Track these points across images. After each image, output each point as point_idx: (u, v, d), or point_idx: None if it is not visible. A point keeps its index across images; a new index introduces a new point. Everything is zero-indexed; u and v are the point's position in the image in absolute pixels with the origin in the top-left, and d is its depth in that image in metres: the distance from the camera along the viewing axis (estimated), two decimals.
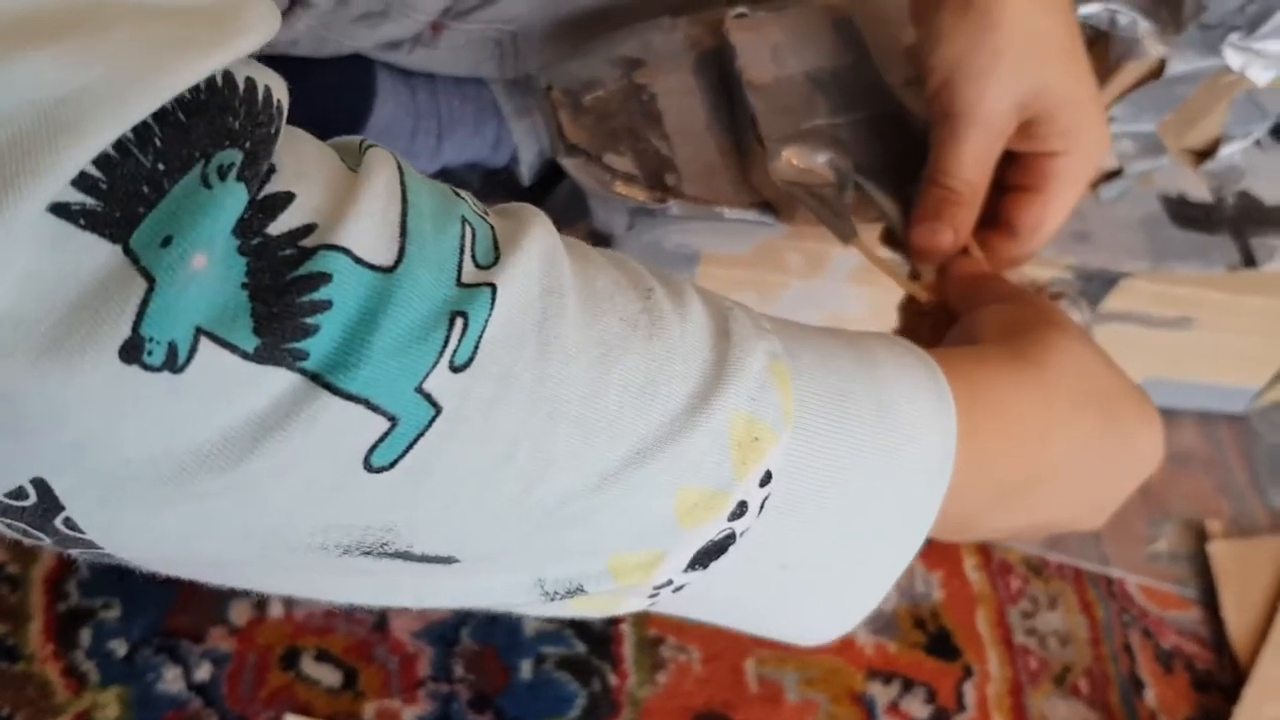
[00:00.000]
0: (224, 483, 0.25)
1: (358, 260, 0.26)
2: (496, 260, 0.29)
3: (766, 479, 0.33)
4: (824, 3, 0.69)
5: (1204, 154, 0.72)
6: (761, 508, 0.33)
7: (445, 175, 0.85)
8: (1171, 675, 0.74)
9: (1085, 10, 0.64)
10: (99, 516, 0.26)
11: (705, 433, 0.31)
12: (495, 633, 0.63)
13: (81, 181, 0.22)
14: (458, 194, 0.30)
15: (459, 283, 0.27)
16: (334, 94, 0.70)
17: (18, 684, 0.57)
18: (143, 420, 0.24)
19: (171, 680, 0.59)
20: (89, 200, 0.22)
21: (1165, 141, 0.70)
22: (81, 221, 0.22)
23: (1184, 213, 0.70)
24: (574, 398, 0.29)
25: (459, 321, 0.27)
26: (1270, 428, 0.90)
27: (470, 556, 0.30)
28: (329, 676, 0.60)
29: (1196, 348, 0.81)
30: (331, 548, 0.28)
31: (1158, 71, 0.64)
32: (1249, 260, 0.70)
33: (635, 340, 0.31)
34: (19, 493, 0.25)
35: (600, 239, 0.72)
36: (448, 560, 0.30)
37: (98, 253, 0.23)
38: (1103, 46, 0.65)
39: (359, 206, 0.26)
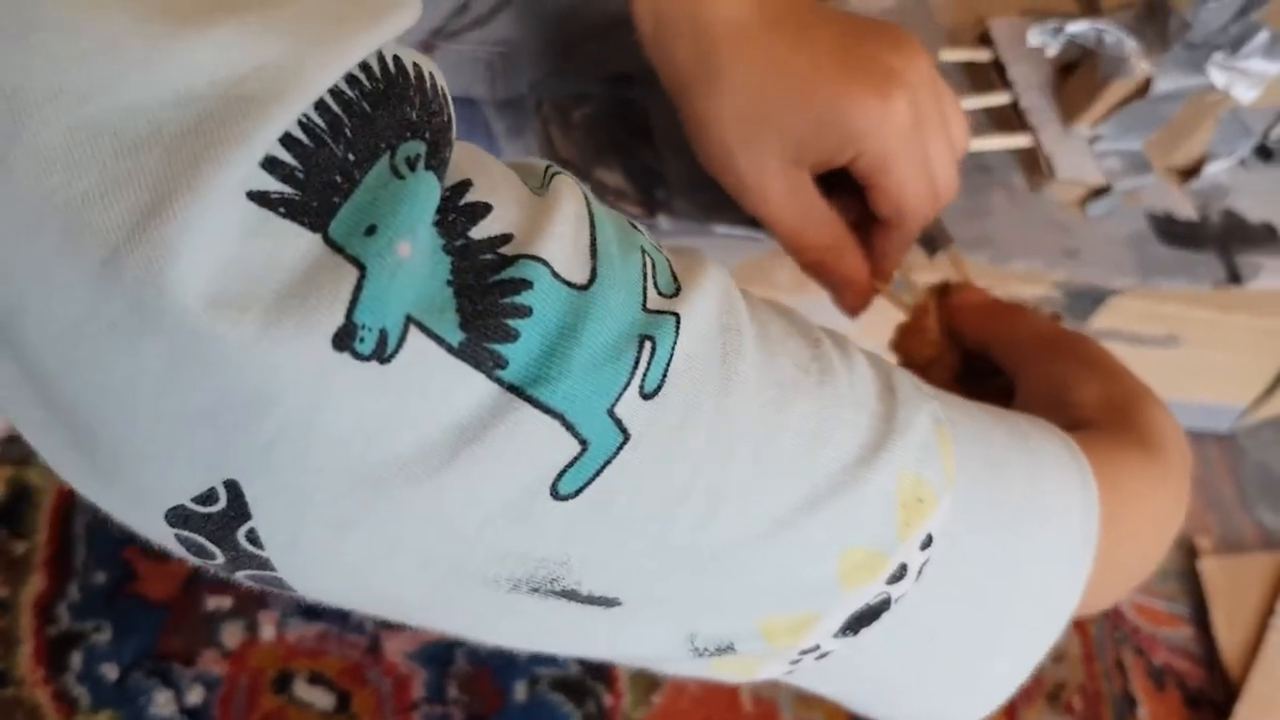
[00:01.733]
0: (417, 496, 0.25)
1: (555, 274, 0.26)
2: (678, 291, 0.29)
3: (927, 543, 0.32)
4: None
5: (1189, 172, 0.72)
6: (920, 572, 0.32)
7: None
8: (1163, 692, 0.74)
9: (1073, 29, 0.64)
10: (283, 531, 0.25)
11: (875, 487, 0.31)
12: (489, 654, 0.62)
13: (279, 170, 0.22)
14: (635, 226, 0.31)
15: (645, 308, 0.27)
16: None
17: (8, 709, 0.56)
18: (345, 415, 0.23)
19: (163, 704, 0.58)
20: (287, 189, 0.22)
21: (1152, 160, 0.71)
22: (281, 210, 0.22)
23: (1170, 230, 0.70)
24: (751, 437, 0.29)
25: (648, 345, 0.27)
26: (1257, 446, 0.90)
27: (633, 600, 0.29)
28: (322, 699, 0.60)
29: (1184, 366, 0.82)
30: (503, 581, 0.28)
31: (1144, 89, 0.64)
32: (1234, 277, 0.70)
33: (808, 385, 0.30)
34: (209, 496, 0.24)
35: None
36: (610, 603, 0.29)
37: (299, 242, 0.22)
38: (1090, 64, 0.66)
39: (553, 227, 0.26)
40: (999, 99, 0.68)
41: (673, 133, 0.64)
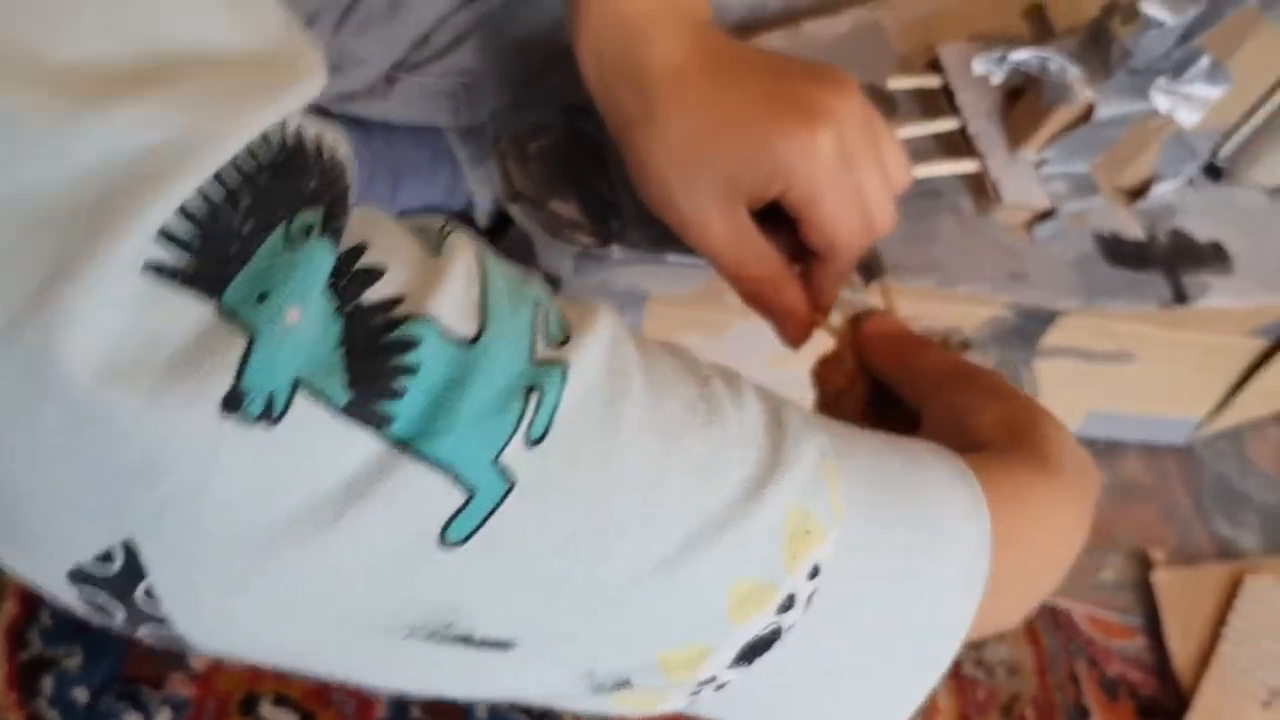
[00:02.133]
0: (305, 553, 0.26)
1: (443, 332, 0.27)
2: (566, 341, 0.30)
3: (815, 573, 0.33)
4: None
5: (1137, 193, 0.74)
6: (809, 601, 0.33)
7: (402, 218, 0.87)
8: (1116, 703, 0.76)
9: (1016, 57, 0.66)
10: (179, 592, 0.26)
11: (761, 521, 0.31)
12: None
13: (176, 241, 0.23)
14: (529, 278, 0.31)
15: (533, 359, 0.28)
16: None
17: None
18: (235, 480, 0.24)
19: None
20: (183, 259, 0.23)
21: (1099, 182, 0.72)
22: (176, 280, 0.23)
23: (1117, 251, 0.72)
24: (638, 477, 0.30)
25: (534, 396, 0.28)
26: (1214, 456, 0.92)
27: (528, 641, 0.30)
28: None
29: (1138, 380, 0.83)
30: (397, 629, 0.28)
31: (1087, 115, 0.66)
32: (1181, 297, 0.72)
33: (695, 424, 0.31)
34: (107, 556, 0.25)
35: (550, 280, 0.74)
36: (506, 645, 0.30)
37: (193, 310, 0.23)
38: (1036, 91, 0.67)
39: (443, 285, 0.27)
40: (947, 125, 0.70)
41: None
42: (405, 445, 0.26)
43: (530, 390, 0.28)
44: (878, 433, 0.39)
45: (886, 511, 0.35)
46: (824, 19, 0.75)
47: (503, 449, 0.27)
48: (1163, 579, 0.84)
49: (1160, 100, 0.66)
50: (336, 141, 0.28)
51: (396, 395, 0.26)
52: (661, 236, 0.64)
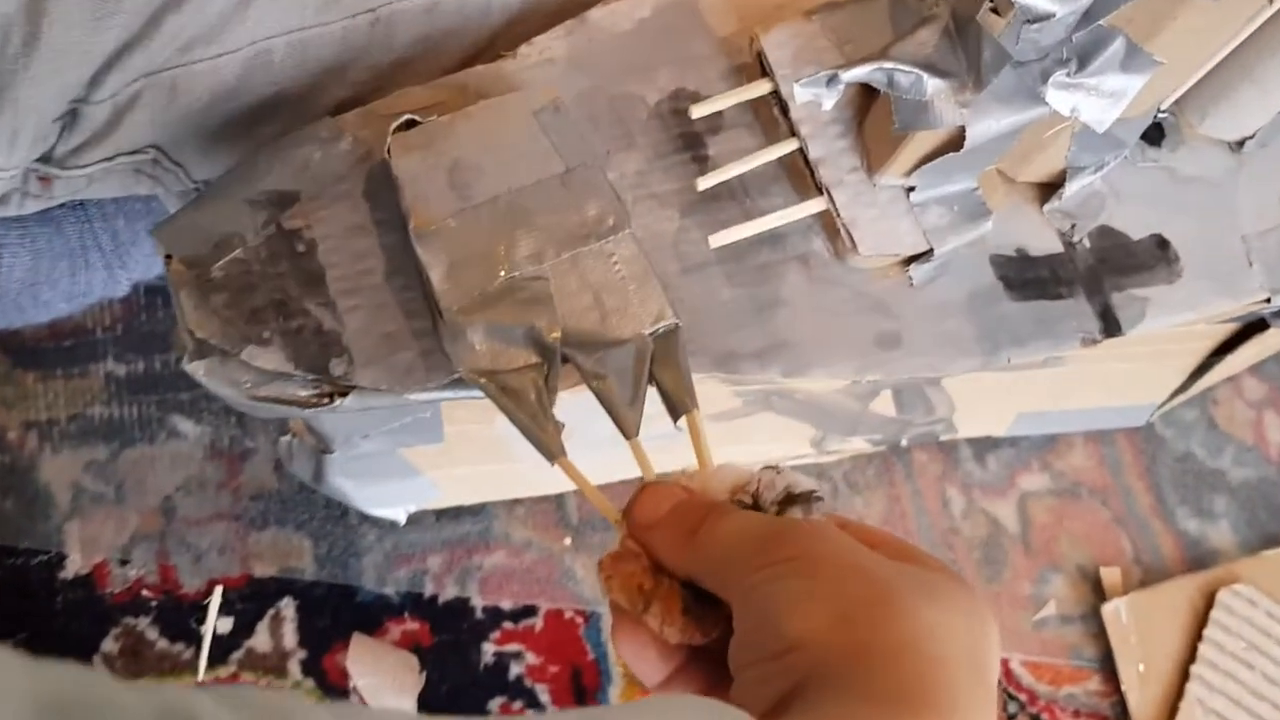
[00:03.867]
0: None
1: None
2: None
3: None
4: (528, 86, 0.53)
5: (1047, 188, 0.57)
6: None
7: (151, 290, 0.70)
8: None
9: (852, 75, 0.48)
10: None
11: None
12: None
13: None
14: None
15: None
16: None
17: None
18: None
19: None
20: None
21: (992, 182, 0.55)
22: None
23: (1023, 276, 0.55)
24: None
25: None
26: (1179, 433, 0.77)
27: None
28: None
29: (1074, 379, 0.68)
30: None
31: (959, 138, 0.49)
32: (1110, 325, 0.56)
33: None
34: None
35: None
36: None
37: None
38: (888, 104, 0.49)
39: None
40: (785, 148, 0.53)
41: (354, 268, 0.50)
42: None
43: None
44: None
45: None
46: (617, 1, 0.56)
47: None
48: (1114, 613, 0.71)
49: (1059, 98, 0.49)
50: None
51: None
52: (407, 369, 0.49)
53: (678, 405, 0.45)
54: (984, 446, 0.75)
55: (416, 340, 0.49)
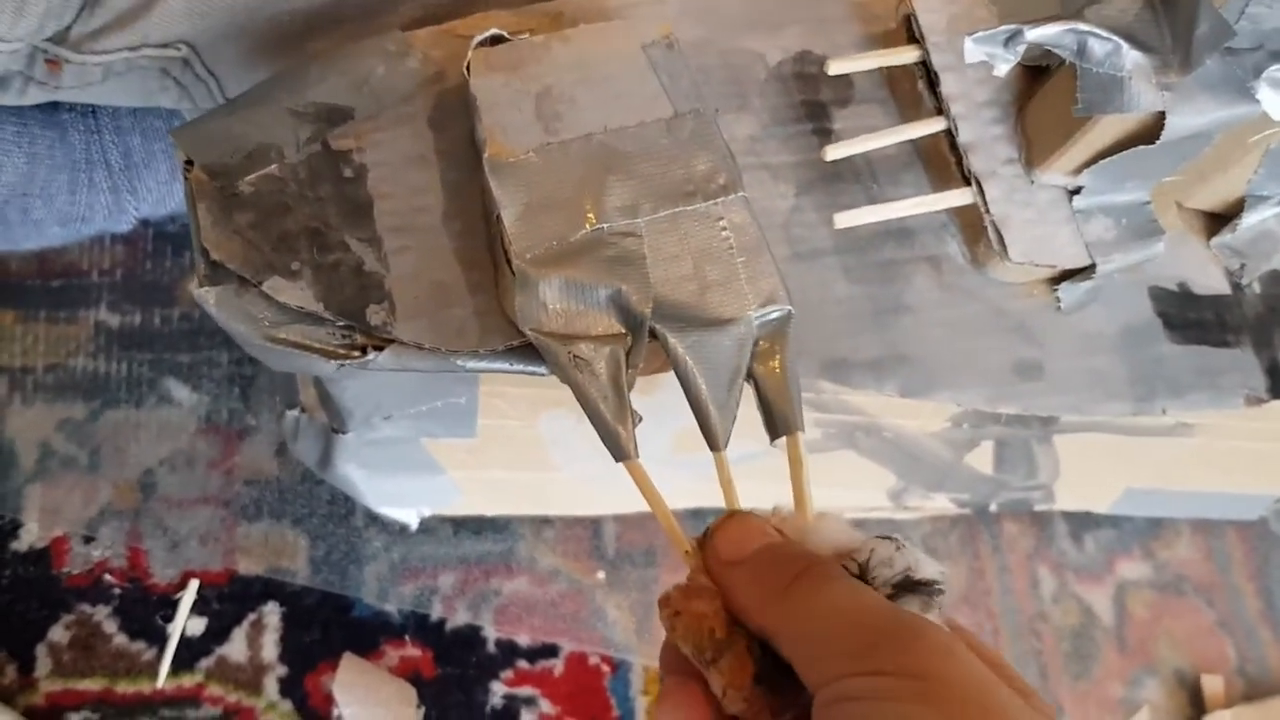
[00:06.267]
0: None
1: None
2: None
3: None
4: (636, 18, 0.45)
5: (1218, 219, 0.49)
6: None
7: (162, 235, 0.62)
8: None
9: (1037, 35, 0.40)
10: None
11: None
12: None
13: None
14: None
15: None
16: None
17: None
18: None
19: None
20: None
21: (1162, 201, 0.47)
22: None
23: (1185, 316, 0.47)
24: None
25: None
26: None
27: None
28: None
29: (1198, 457, 0.59)
30: None
31: (1153, 129, 0.40)
32: (1278, 384, 0.47)
33: None
34: None
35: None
36: None
37: None
38: (1067, 83, 0.41)
39: None
40: (927, 128, 0.44)
41: (408, 204, 0.41)
42: None
43: None
44: None
45: None
46: None
47: None
48: None
49: (1271, 99, 0.41)
50: None
51: None
52: (458, 328, 0.40)
53: (780, 420, 0.37)
54: (1082, 524, 0.66)
55: (472, 296, 0.40)
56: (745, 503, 0.34)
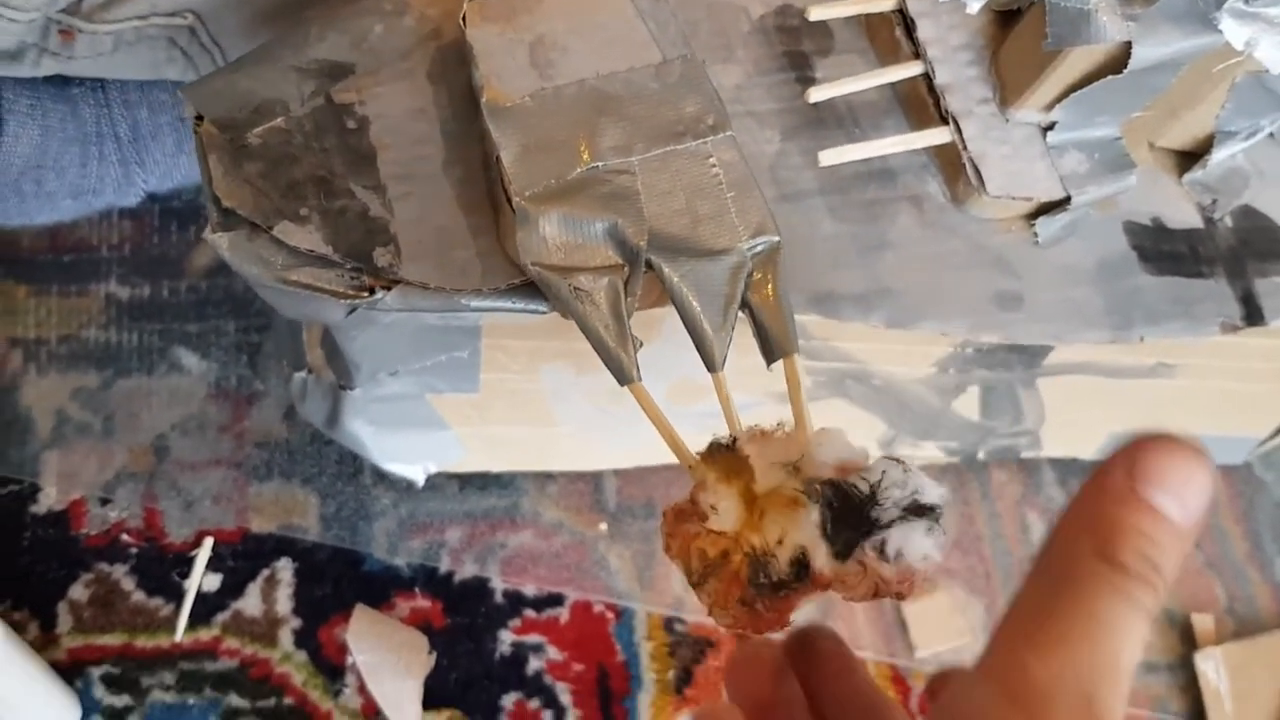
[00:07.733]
0: None
1: None
2: None
3: None
4: None
5: (1190, 157, 0.50)
6: None
7: (168, 210, 0.64)
8: None
9: None
10: None
11: None
12: None
13: None
14: None
15: None
16: None
17: None
18: None
19: None
20: None
21: (1134, 140, 0.49)
22: None
23: (1160, 248, 0.49)
24: None
25: None
26: (1279, 478, 0.70)
27: None
28: None
29: (1178, 398, 0.61)
30: None
31: (1120, 59, 0.42)
32: (1253, 312, 0.49)
33: None
34: None
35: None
36: None
37: None
38: (1037, 19, 0.43)
39: None
40: (904, 71, 0.46)
41: (409, 154, 0.43)
42: None
43: None
44: None
45: None
46: None
47: None
48: (1209, 664, 0.63)
49: (1234, 29, 0.43)
50: None
51: None
52: (461, 269, 0.42)
53: (776, 343, 0.38)
54: (1069, 470, 0.67)
55: (474, 239, 0.42)
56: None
